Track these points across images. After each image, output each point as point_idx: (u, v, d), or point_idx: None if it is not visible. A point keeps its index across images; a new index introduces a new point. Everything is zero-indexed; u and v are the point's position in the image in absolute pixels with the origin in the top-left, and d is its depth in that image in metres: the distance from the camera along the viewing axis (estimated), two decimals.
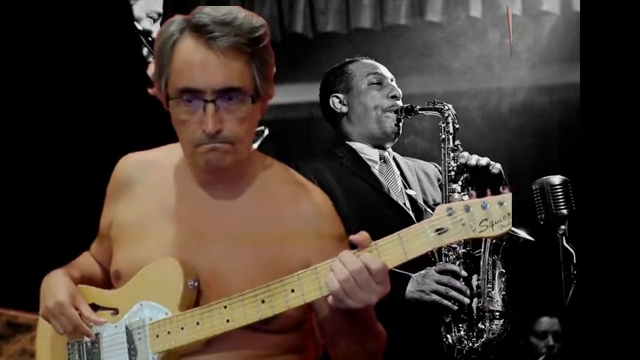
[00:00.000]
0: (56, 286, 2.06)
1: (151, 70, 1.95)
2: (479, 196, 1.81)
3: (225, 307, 1.90)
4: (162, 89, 1.92)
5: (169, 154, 2.05)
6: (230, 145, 1.90)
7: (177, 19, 1.92)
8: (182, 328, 1.92)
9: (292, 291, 1.85)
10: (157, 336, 1.95)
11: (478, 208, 1.78)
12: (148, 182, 2.05)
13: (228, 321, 1.89)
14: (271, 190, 2.00)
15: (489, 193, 1.79)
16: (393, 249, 1.82)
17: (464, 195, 1.82)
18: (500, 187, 1.79)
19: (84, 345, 2.07)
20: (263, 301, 1.86)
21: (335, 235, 1.99)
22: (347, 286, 1.80)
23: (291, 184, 2.03)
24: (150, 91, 1.96)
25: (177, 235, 1.98)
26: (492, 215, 1.78)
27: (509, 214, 1.77)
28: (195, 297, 1.94)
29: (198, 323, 1.91)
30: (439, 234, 1.80)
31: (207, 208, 1.98)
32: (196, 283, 1.94)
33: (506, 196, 1.78)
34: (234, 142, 1.91)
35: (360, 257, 1.81)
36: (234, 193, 1.99)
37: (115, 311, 2.04)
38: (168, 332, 1.94)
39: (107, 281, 2.13)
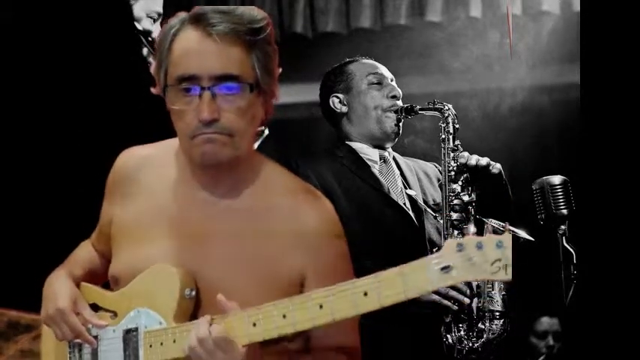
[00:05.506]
0: (58, 291, 2.03)
1: (153, 67, 1.93)
2: (496, 232, 1.68)
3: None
4: (161, 81, 1.88)
5: (169, 150, 2.00)
6: (228, 136, 1.83)
7: (181, 14, 1.89)
8: (174, 341, 1.87)
9: (284, 317, 1.76)
10: (151, 346, 1.91)
11: (492, 247, 1.59)
12: (147, 180, 2.01)
13: None
14: (272, 196, 1.94)
15: (507, 226, 1.65)
16: (394, 284, 1.65)
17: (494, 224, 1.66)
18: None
19: (84, 347, 2.05)
20: (254, 324, 1.78)
21: (334, 244, 1.94)
22: (194, 353, 1.80)
23: (292, 190, 1.97)
24: (153, 90, 1.92)
25: (176, 239, 1.94)
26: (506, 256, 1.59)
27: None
28: (192, 307, 1.90)
29: None
30: (445, 272, 1.60)
31: (206, 213, 1.94)
32: (194, 293, 1.89)
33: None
34: (232, 134, 1.84)
35: (211, 327, 1.79)
36: (233, 198, 1.94)
37: (114, 314, 2.01)
38: (161, 343, 1.89)
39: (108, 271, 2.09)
